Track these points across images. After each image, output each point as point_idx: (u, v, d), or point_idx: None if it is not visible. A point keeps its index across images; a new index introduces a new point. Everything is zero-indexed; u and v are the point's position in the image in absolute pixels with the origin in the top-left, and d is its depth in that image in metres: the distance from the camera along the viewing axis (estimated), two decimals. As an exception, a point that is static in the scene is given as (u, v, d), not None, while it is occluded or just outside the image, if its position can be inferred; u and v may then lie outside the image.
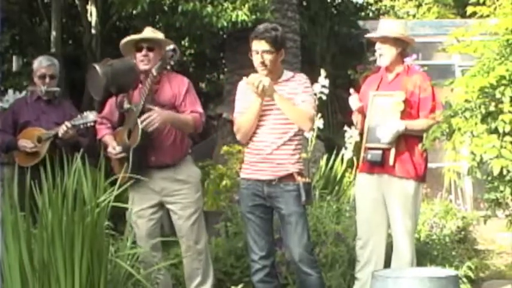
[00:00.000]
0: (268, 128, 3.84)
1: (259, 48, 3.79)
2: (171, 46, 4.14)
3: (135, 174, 4.01)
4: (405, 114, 4.18)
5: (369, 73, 5.01)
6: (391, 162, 4.16)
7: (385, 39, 4.30)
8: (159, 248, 4.26)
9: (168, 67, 4.15)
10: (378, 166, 4.21)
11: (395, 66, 4.35)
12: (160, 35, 4.31)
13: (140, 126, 4.02)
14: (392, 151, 4.15)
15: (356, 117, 4.48)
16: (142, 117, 4.01)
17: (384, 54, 4.30)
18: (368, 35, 4.51)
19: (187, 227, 4.20)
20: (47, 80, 4.89)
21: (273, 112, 3.84)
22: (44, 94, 4.91)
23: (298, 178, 3.78)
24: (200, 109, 4.25)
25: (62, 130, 4.62)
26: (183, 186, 4.20)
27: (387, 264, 4.27)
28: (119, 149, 4.16)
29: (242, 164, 4.07)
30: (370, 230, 4.29)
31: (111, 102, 4.29)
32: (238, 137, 3.95)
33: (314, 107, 3.91)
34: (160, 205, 4.25)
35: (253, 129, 3.84)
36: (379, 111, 4.25)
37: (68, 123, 4.61)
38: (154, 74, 4.07)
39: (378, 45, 4.33)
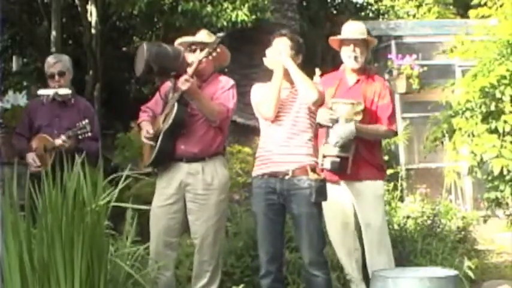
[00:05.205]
0: (280, 126, 3.81)
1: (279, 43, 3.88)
2: (221, 34, 4.20)
3: (161, 160, 4.06)
4: (363, 123, 4.15)
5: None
6: (348, 171, 4.11)
7: (359, 42, 4.23)
8: (175, 248, 4.18)
9: (215, 54, 4.09)
10: (338, 174, 4.15)
11: (360, 71, 4.30)
12: (213, 38, 4.21)
13: (175, 109, 4.03)
14: (350, 159, 4.10)
15: None
16: (181, 78, 3.99)
17: (359, 56, 4.24)
18: (340, 37, 4.30)
19: (204, 229, 4.11)
20: (56, 78, 4.86)
21: (287, 114, 3.83)
22: (58, 96, 4.87)
23: (311, 173, 3.73)
24: (230, 105, 4.18)
25: (58, 143, 4.62)
26: (207, 187, 4.12)
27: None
28: (152, 132, 4.16)
29: (253, 166, 3.99)
30: (349, 240, 4.30)
31: (158, 94, 4.31)
32: (262, 111, 3.88)
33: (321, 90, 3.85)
34: (184, 203, 4.17)
35: (277, 102, 3.79)
36: (339, 119, 4.16)
37: (63, 137, 4.61)
38: (200, 58, 4.04)
39: (351, 47, 4.22)
